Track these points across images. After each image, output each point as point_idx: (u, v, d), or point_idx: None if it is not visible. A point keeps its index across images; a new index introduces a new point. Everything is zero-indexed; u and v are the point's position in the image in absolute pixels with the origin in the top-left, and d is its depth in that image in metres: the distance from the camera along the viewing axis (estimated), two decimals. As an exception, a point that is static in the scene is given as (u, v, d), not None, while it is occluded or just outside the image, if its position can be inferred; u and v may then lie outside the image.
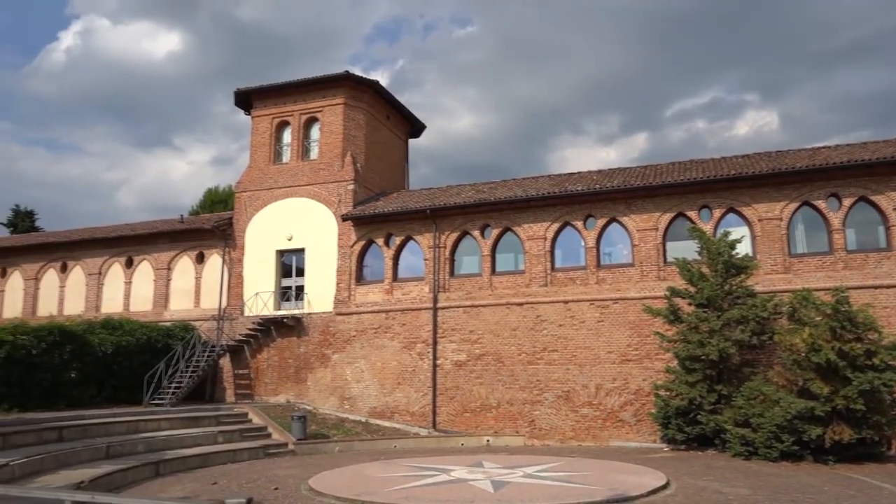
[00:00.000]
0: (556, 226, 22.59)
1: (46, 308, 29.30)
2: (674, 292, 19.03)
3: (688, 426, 18.27)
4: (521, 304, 22.36)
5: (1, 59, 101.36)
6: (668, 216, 21.40)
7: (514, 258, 23.23)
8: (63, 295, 29.56)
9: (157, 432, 18.45)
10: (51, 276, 30.07)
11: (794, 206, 20.26)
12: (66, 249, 29.91)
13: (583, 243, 22.29)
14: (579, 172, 25.48)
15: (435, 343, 23.12)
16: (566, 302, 21.85)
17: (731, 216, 20.94)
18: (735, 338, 17.62)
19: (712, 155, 24.69)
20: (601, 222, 22.10)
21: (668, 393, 18.78)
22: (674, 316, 18.74)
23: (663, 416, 18.78)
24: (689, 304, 18.79)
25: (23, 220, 50.75)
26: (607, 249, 22.35)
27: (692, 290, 18.81)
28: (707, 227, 20.48)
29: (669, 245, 21.37)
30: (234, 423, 20.76)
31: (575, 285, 21.98)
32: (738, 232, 19.96)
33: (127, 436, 17.50)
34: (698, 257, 19.44)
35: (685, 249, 20.17)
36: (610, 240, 22.33)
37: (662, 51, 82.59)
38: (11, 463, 12.65)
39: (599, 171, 24.97)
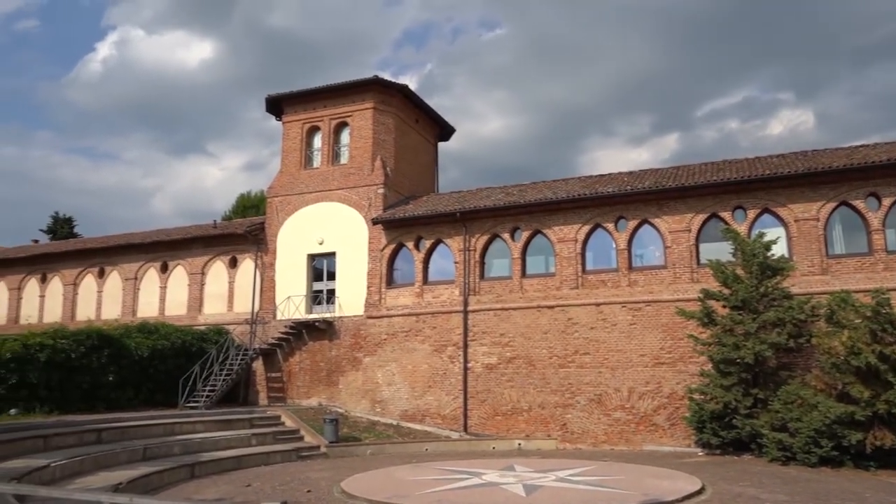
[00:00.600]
0: (586, 228, 22.44)
1: (85, 313, 29.92)
2: (708, 294, 18.76)
3: (723, 430, 17.98)
4: (551, 307, 22.24)
5: (41, 70, 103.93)
6: (700, 217, 21.12)
7: (545, 261, 23.12)
8: (101, 300, 30.16)
9: (192, 434, 18.72)
10: (89, 282, 30.71)
11: (831, 206, 19.84)
12: (103, 255, 30.53)
13: (614, 245, 22.10)
14: (610, 174, 25.28)
15: (465, 346, 23.10)
16: (598, 304, 21.67)
17: (766, 217, 20.58)
18: (771, 340, 17.30)
19: (746, 155, 24.31)
20: (633, 224, 21.89)
21: (702, 396, 18.51)
22: (708, 318, 18.47)
23: (698, 420, 18.51)
24: (724, 307, 18.50)
25: (62, 226, 51.96)
26: (639, 251, 22.13)
27: (726, 292, 18.52)
28: (741, 228, 20.16)
29: (703, 247, 21.08)
30: (268, 426, 20.97)
31: (606, 288, 21.79)
32: (774, 233, 19.61)
33: (163, 438, 17.79)
34: (732, 259, 19.15)
35: (719, 251, 19.88)
36: (642, 242, 22.11)
37: (693, 49, 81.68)
38: (52, 464, 12.93)
39: (630, 173, 24.75)
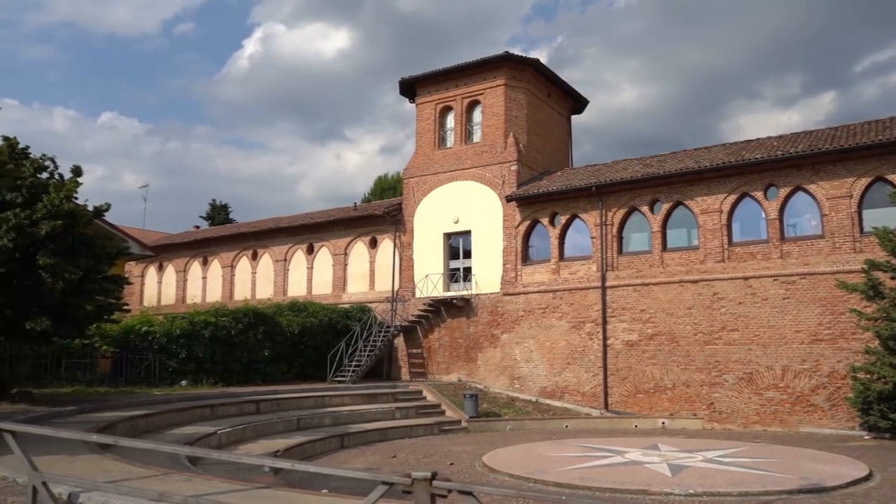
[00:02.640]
0: (732, 197, 21.21)
1: (241, 292, 32.16)
2: (873, 265, 17.19)
3: (893, 412, 16.51)
4: (695, 282, 21.28)
5: (197, 69, 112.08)
6: (864, 181, 19.33)
7: (687, 233, 22.12)
8: (254, 280, 32.30)
9: (340, 407, 19.70)
10: (244, 264, 32.96)
11: None
12: (255, 239, 32.61)
13: (763, 215, 20.75)
14: (757, 139, 23.69)
15: (604, 323, 22.63)
16: (746, 278, 20.48)
17: (942, 178, 18.52)
18: (950, 315, 15.63)
19: (917, 110, 21.88)
20: (784, 191, 20.42)
21: (868, 376, 17.06)
22: (874, 291, 16.95)
23: (863, 401, 17.10)
24: (893, 279, 16.89)
25: (219, 212, 56.14)
26: (792, 220, 20.63)
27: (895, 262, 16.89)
28: (912, 192, 18.26)
29: (866, 213, 19.31)
30: (410, 401, 21.66)
31: (756, 260, 20.54)
32: (952, 195, 17.62)
33: (314, 410, 18.84)
34: (902, 226, 17.41)
35: (885, 217, 18.12)
36: (795, 210, 20.60)
37: (852, -1, 74.48)
38: (219, 431, 14.08)
39: (780, 137, 23.05)
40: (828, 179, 19.78)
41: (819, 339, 19.24)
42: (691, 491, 10.43)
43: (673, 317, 21.51)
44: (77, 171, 14.82)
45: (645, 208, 22.64)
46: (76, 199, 14.39)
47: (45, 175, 14.73)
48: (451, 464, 13.69)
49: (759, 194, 20.81)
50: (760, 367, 19.93)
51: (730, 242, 21.15)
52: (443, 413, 20.97)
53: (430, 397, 22.15)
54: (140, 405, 15.16)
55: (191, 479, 7.40)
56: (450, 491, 3.90)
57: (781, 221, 20.48)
